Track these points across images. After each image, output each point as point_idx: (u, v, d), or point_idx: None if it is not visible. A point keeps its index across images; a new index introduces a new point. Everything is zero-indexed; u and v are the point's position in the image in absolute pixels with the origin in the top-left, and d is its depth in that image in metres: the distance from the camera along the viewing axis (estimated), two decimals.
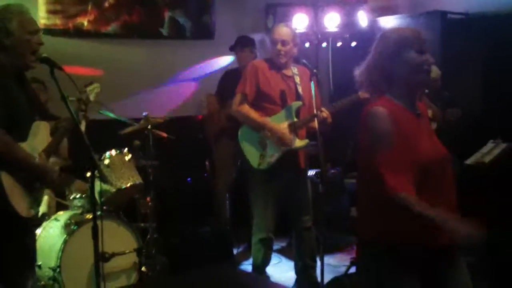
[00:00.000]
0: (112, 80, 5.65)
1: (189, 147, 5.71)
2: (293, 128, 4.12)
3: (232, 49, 5.67)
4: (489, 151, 4.67)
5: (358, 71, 2.59)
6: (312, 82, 3.96)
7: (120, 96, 5.72)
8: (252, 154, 4.15)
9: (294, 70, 4.21)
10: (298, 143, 4.15)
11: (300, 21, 6.21)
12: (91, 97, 3.40)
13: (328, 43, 6.58)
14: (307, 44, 6.48)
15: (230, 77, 5.58)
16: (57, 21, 5.54)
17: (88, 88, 3.40)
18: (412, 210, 2.26)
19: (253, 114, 4.14)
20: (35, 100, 3.15)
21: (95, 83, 3.47)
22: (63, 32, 5.57)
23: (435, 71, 5.03)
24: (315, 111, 3.90)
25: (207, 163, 5.83)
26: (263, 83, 4.14)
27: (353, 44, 6.51)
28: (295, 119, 4.13)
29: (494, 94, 5.61)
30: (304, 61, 4.13)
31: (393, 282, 2.45)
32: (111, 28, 5.81)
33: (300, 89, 4.17)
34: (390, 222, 2.40)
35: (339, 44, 6.56)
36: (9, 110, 2.88)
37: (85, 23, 5.67)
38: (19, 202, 2.89)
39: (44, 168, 2.98)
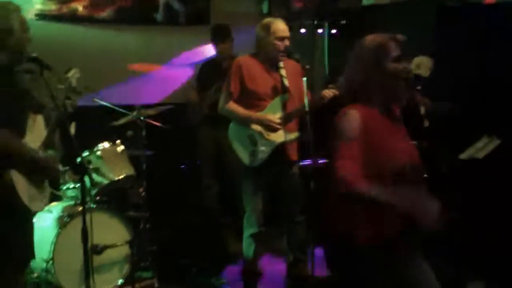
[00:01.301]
0: (106, 66, 5.67)
1: (183, 134, 5.72)
2: (282, 121, 4.13)
3: (213, 40, 5.63)
4: (484, 146, 4.65)
5: (341, 78, 2.64)
6: (305, 78, 3.95)
7: (114, 82, 5.75)
8: (243, 151, 4.15)
9: (279, 63, 4.20)
10: (288, 136, 4.15)
11: (296, 8, 6.20)
12: (73, 83, 3.41)
13: (324, 29, 6.55)
14: (302, 30, 6.46)
15: (207, 68, 5.66)
16: (52, 6, 5.52)
17: (69, 75, 3.41)
18: (366, 196, 2.32)
19: (239, 109, 4.14)
20: (26, 94, 3.16)
21: (73, 69, 3.48)
22: (58, 17, 5.55)
23: (426, 62, 4.99)
24: (306, 108, 3.89)
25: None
26: (248, 80, 4.13)
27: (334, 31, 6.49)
28: (282, 113, 4.13)
29: (490, 86, 5.58)
30: (296, 56, 4.12)
31: (378, 277, 2.49)
32: (105, 13, 5.78)
33: (286, 82, 4.16)
34: (362, 218, 2.46)
35: (334, 31, 6.52)
36: (5, 110, 2.91)
37: (80, 8, 5.64)
38: (31, 198, 2.95)
39: (47, 160, 3.02)
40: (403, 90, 2.54)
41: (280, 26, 4.13)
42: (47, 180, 3.16)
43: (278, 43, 4.09)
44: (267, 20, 4.24)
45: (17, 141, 2.92)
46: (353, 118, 2.46)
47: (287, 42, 4.12)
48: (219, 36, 5.57)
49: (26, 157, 2.93)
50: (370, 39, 2.57)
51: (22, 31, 2.98)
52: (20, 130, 2.98)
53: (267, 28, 4.12)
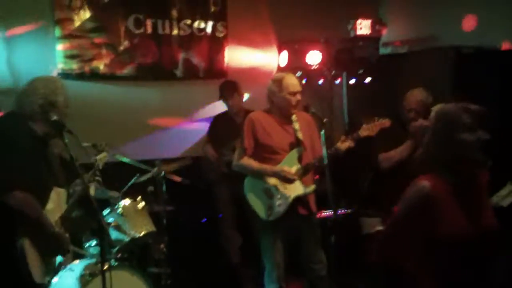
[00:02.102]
0: (127, 121, 5.77)
1: (203, 188, 5.74)
2: (298, 174, 4.13)
3: (221, 98, 5.72)
4: (508, 193, 4.55)
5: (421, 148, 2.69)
6: (323, 131, 3.97)
7: (135, 137, 5.83)
8: (259, 205, 4.16)
9: (292, 116, 4.23)
10: (305, 189, 4.15)
11: (313, 58, 6.26)
12: (100, 166, 3.54)
13: (342, 78, 6.59)
14: (320, 81, 6.52)
15: (219, 121, 5.73)
16: (74, 65, 5.66)
17: (98, 157, 3.54)
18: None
19: (253, 163, 4.17)
20: (54, 166, 3.24)
21: (103, 153, 3.60)
22: (80, 76, 5.68)
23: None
24: (325, 161, 3.90)
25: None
26: (261, 135, 4.18)
27: (368, 79, 6.47)
28: (298, 165, 4.14)
29: (510, 131, 5.50)
30: (313, 110, 4.15)
31: None
32: (126, 70, 5.90)
33: (299, 135, 4.19)
34: None
35: (352, 81, 6.55)
36: (36, 177, 2.97)
37: (101, 67, 5.77)
38: (36, 269, 2.98)
39: (61, 238, 3.07)
40: (479, 161, 2.53)
41: (291, 81, 4.17)
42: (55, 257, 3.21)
43: (290, 97, 4.13)
44: (279, 74, 4.33)
45: (40, 209, 2.97)
46: (419, 190, 2.49)
47: (298, 97, 4.16)
48: (226, 92, 5.66)
49: (44, 227, 2.98)
50: (446, 110, 2.58)
51: (64, 107, 3.09)
52: (44, 199, 3.04)
53: (279, 83, 4.17)
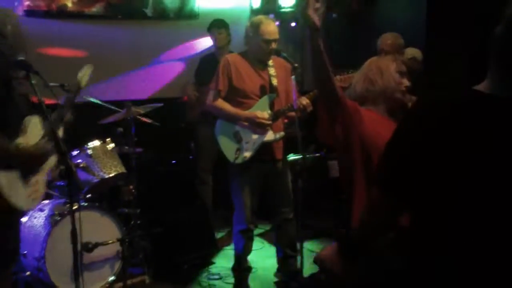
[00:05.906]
0: (95, 62, 5.59)
1: (173, 129, 5.73)
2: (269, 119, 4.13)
3: (209, 30, 5.64)
4: None
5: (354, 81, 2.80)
6: (293, 76, 3.95)
7: (104, 78, 5.75)
8: (228, 148, 4.15)
9: (268, 62, 4.19)
10: (274, 135, 4.15)
11: (287, 1, 6.22)
12: (83, 83, 3.39)
13: None
14: (293, 24, 6.47)
15: (206, 62, 5.61)
16: (41, 3, 5.51)
17: (80, 74, 3.38)
18: None
19: (227, 107, 4.14)
20: (19, 96, 3.15)
21: (86, 66, 3.44)
22: (47, 13, 5.54)
23: (417, 55, 4.98)
24: (294, 104, 3.90)
25: (192, 145, 5.85)
26: (236, 78, 4.13)
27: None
28: (269, 111, 4.14)
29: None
30: (284, 54, 4.12)
31: None
32: (95, 8, 5.78)
33: (274, 81, 4.15)
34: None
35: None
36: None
37: (69, 4, 5.63)
38: (20, 197, 2.93)
39: (40, 151, 2.99)
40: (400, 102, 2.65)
41: (268, 28, 4.07)
42: (42, 179, 3.14)
43: (264, 45, 4.07)
44: (258, 18, 4.17)
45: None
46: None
47: (274, 45, 4.08)
48: (216, 25, 5.56)
49: (15, 157, 2.92)
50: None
51: (13, 38, 2.96)
52: (12, 132, 2.97)
53: (256, 28, 4.08)
